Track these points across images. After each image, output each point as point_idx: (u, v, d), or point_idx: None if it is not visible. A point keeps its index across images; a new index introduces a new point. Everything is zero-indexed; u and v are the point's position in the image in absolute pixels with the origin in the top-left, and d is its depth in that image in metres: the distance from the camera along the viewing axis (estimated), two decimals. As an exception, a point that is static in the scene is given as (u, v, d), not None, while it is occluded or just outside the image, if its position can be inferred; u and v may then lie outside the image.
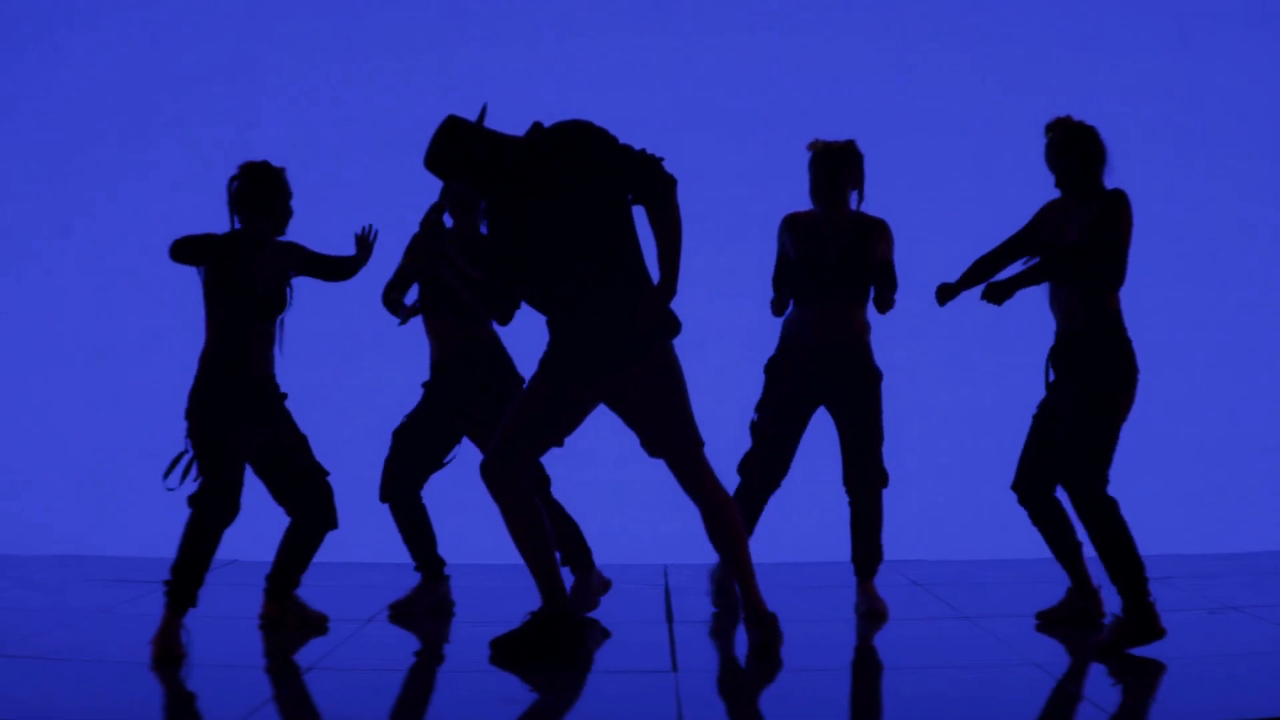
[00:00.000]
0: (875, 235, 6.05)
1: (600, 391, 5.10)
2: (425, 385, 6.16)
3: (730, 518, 5.11)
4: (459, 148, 4.97)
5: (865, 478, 6.08)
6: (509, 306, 5.24)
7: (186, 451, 5.48)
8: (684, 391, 5.09)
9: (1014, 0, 9.06)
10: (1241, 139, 8.90)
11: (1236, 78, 8.98)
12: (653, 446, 5.11)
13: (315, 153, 8.32)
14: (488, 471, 5.10)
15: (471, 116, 5.05)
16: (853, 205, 6.11)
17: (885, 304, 6.06)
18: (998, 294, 5.38)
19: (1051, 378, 5.50)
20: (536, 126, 5.08)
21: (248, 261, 5.58)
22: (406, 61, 9.00)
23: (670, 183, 4.99)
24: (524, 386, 5.20)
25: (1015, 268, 5.56)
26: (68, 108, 9.07)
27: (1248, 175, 8.88)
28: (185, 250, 5.51)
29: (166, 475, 5.48)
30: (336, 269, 5.89)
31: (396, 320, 6.20)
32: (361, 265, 5.94)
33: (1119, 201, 5.29)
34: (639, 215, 5.09)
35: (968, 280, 5.59)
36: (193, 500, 5.40)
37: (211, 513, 5.38)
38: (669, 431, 5.07)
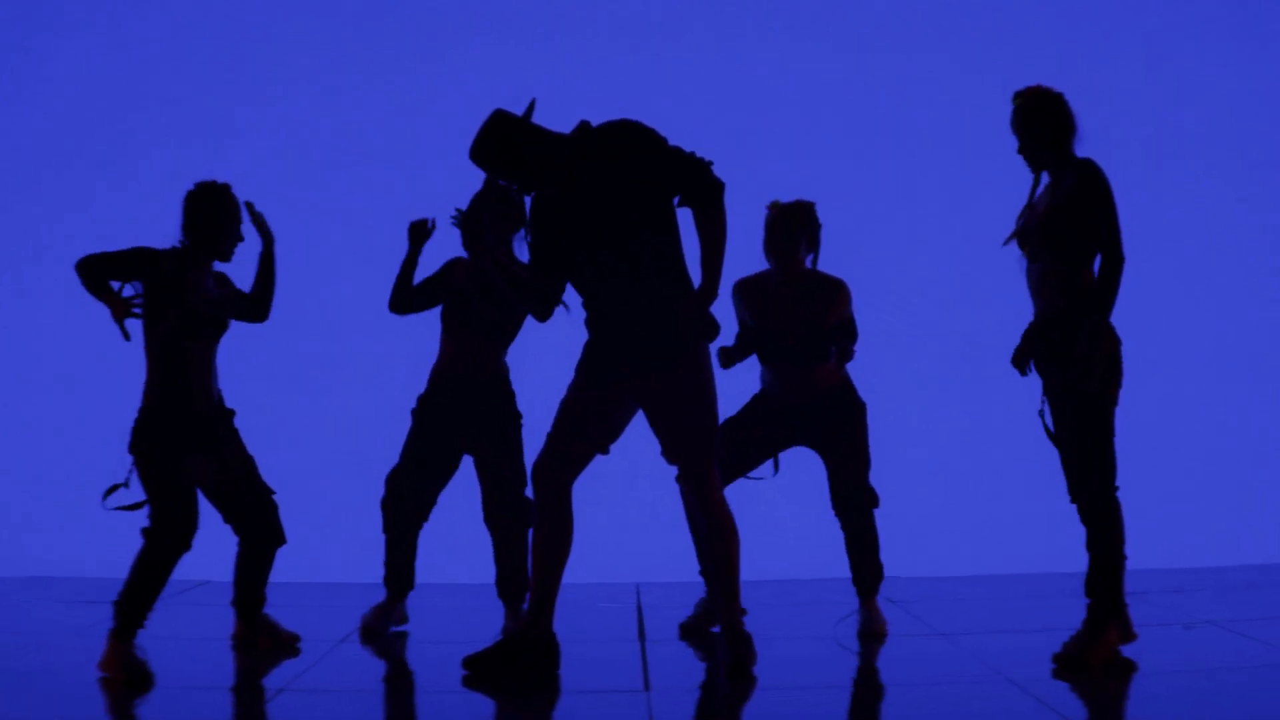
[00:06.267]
0: (833, 297, 6.02)
1: (635, 391, 5.10)
2: (416, 411, 6.10)
3: (730, 534, 5.13)
4: (504, 141, 5.00)
5: (856, 502, 6.05)
6: (549, 303, 5.21)
7: (127, 483, 5.43)
8: (713, 399, 5.11)
9: (1014, 5, 9.07)
10: (1241, 141, 8.91)
11: (1236, 77, 9.00)
12: (672, 451, 5.11)
13: (300, 164, 8.30)
14: (541, 472, 5.11)
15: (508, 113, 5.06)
16: (808, 264, 6.09)
17: (846, 356, 6.05)
18: (1020, 362, 5.27)
19: (1029, 364, 5.37)
20: (584, 125, 5.09)
21: (193, 280, 5.54)
22: (393, 73, 8.98)
23: (719, 186, 5.01)
24: (565, 392, 5.18)
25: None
26: (43, 121, 9.01)
27: (1243, 179, 8.88)
28: (109, 266, 5.40)
29: (105, 497, 5.43)
30: (249, 307, 5.75)
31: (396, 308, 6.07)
32: (269, 286, 5.74)
33: (1094, 172, 5.14)
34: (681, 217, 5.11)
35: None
36: (147, 532, 5.34)
37: (166, 546, 5.33)
38: (692, 435, 5.07)
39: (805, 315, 6.00)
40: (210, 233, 5.55)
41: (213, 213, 5.55)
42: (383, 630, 6.10)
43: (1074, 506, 5.28)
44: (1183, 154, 8.80)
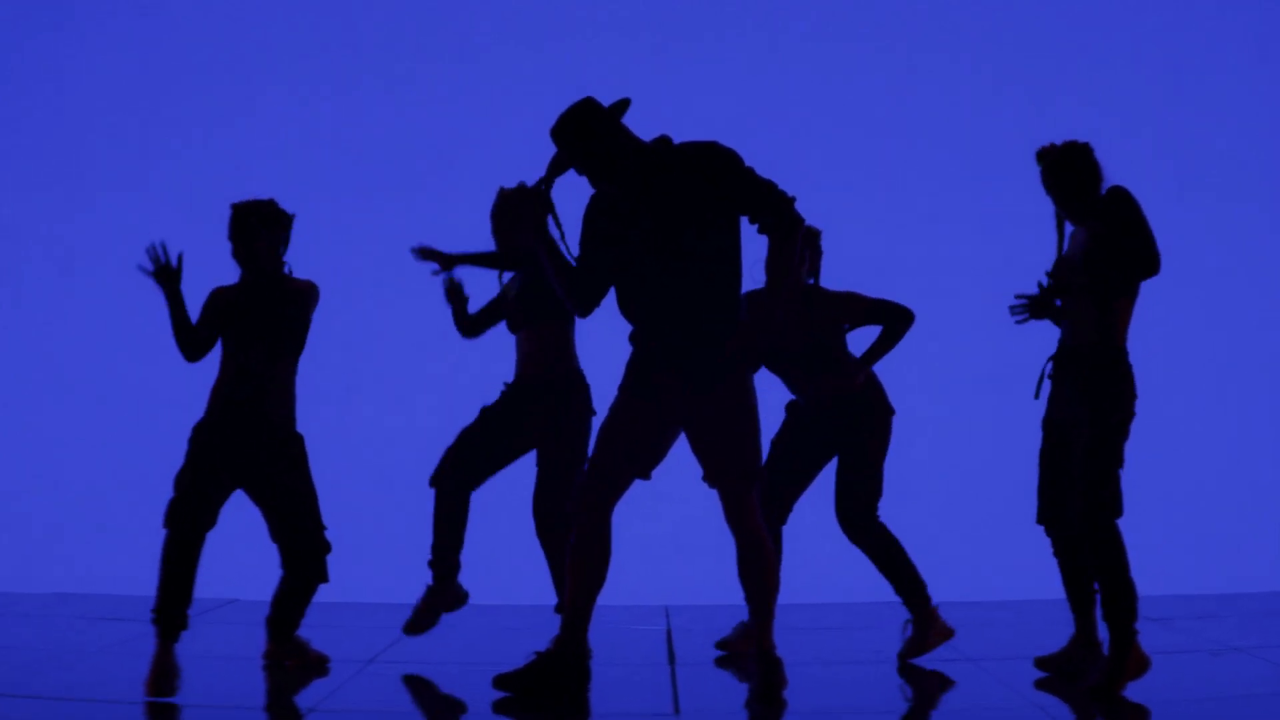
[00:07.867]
0: (830, 307, 6.04)
1: (679, 411, 5.10)
2: (507, 387, 6.05)
3: (767, 558, 5.13)
4: (583, 128, 5.04)
5: (855, 520, 5.99)
6: (591, 299, 5.20)
7: None
8: (756, 423, 5.11)
9: (1016, 6, 9.09)
10: (1241, 141, 8.90)
11: (1237, 77, 9.00)
12: (713, 474, 5.12)
13: (301, 165, 8.33)
14: (583, 494, 5.09)
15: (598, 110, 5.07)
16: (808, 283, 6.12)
17: (894, 338, 6.03)
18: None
19: (1048, 386, 5.44)
20: (665, 139, 5.13)
21: (250, 301, 5.60)
22: (394, 73, 9.01)
23: (798, 221, 5.04)
24: (607, 413, 5.16)
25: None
26: (44, 121, 9.05)
27: (1245, 180, 8.88)
28: (198, 340, 5.61)
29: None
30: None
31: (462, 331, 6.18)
32: None
33: (1122, 199, 5.16)
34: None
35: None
36: (166, 518, 5.40)
37: (184, 525, 5.38)
38: (734, 458, 5.07)
39: (805, 328, 6.01)
40: (248, 251, 5.63)
41: (231, 233, 5.66)
42: (433, 620, 6.01)
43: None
44: (1181, 155, 8.81)
